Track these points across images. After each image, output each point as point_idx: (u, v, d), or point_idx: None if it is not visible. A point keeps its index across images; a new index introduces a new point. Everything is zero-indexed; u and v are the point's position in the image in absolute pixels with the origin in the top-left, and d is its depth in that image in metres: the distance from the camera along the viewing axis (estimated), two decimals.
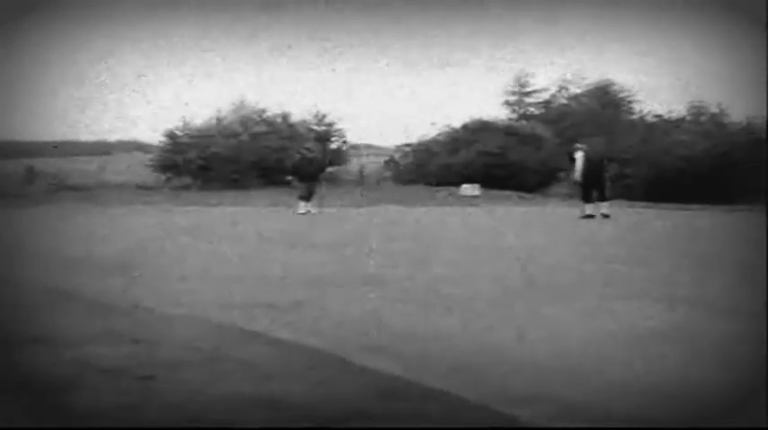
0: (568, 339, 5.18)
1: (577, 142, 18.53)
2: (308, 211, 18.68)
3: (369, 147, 45.40)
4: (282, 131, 32.46)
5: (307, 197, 19.01)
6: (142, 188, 29.98)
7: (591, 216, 16.68)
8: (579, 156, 17.17)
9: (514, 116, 39.67)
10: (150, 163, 32.32)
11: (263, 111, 33.91)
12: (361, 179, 34.23)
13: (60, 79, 55.78)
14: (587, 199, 17.08)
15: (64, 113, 59.73)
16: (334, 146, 34.81)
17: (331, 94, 76.19)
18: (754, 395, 3.92)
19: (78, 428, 3.28)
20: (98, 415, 3.38)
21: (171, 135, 32.89)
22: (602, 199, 17.00)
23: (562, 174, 33.66)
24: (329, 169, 19.94)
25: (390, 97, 68.39)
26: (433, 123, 36.56)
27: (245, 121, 32.67)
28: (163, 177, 32.14)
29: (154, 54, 71.57)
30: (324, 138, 33.47)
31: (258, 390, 3.76)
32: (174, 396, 3.65)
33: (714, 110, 33.76)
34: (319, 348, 4.77)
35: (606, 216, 16.65)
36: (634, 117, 38.01)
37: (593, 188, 16.96)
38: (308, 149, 20.64)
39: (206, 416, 3.40)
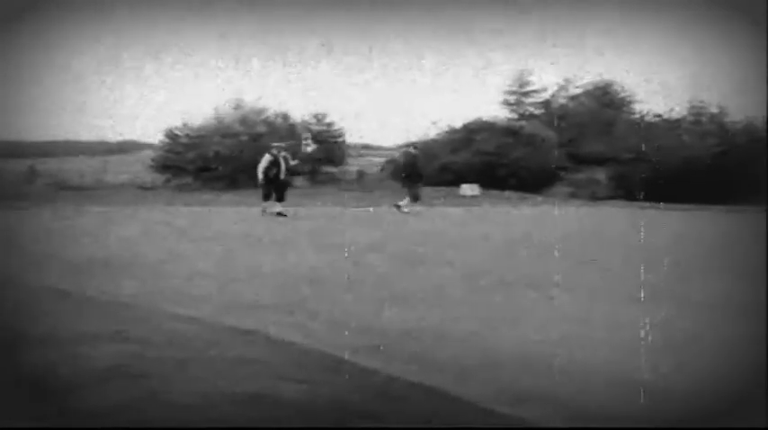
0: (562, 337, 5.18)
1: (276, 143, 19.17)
2: (405, 210, 18.86)
3: (369, 147, 45.44)
4: (282, 131, 32.52)
5: (416, 197, 19.37)
6: (142, 188, 30.03)
7: (265, 212, 17.50)
8: (265, 158, 17.93)
9: (514, 116, 39.70)
10: (150, 163, 32.39)
11: (263, 111, 33.96)
12: (360, 179, 34.29)
13: (60, 79, 55.79)
14: (267, 198, 17.82)
15: (64, 113, 59.74)
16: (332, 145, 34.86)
17: (331, 94, 76.17)
18: (754, 395, 3.92)
19: (78, 428, 3.28)
20: (98, 415, 3.38)
21: (171, 135, 32.94)
22: (279, 199, 17.69)
23: (563, 174, 33.75)
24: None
25: (390, 97, 68.38)
26: (433, 123, 36.61)
27: (245, 121, 32.70)
28: (163, 177, 32.20)
29: (154, 54, 71.57)
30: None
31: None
32: (174, 395, 3.65)
33: (714, 110, 33.82)
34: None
35: (282, 214, 17.21)
36: (634, 117, 38.04)
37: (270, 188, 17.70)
38: (412, 149, 21.29)
39: (206, 415, 3.40)
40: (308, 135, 20.21)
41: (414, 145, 22.20)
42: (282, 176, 17.67)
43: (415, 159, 19.95)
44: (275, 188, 17.59)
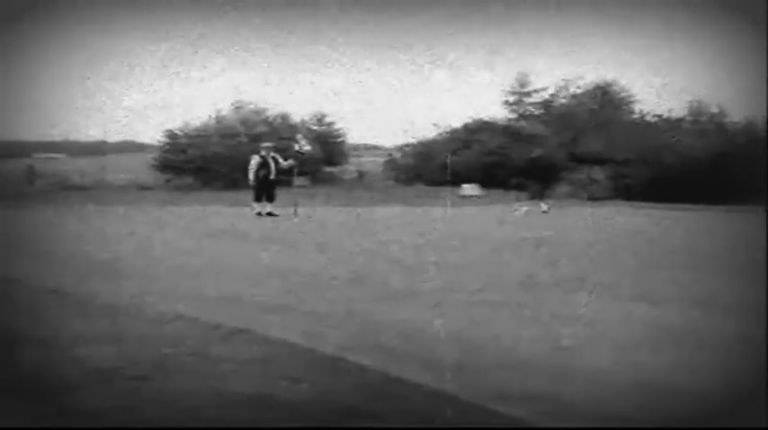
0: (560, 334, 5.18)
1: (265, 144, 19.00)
2: (547, 210, 20.00)
3: (369, 147, 45.45)
4: (283, 131, 32.54)
5: (542, 195, 20.16)
6: (142, 188, 30.02)
7: (260, 214, 17.33)
8: (254, 159, 17.86)
9: (514, 116, 39.64)
10: (152, 162, 32.40)
11: (264, 111, 33.98)
12: (361, 179, 34.31)
13: (60, 79, 55.82)
14: (258, 199, 17.69)
15: (64, 113, 59.80)
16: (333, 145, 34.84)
17: (331, 95, 76.23)
18: (754, 395, 3.92)
19: (78, 428, 3.28)
20: (97, 415, 3.38)
21: (171, 135, 32.95)
22: (269, 199, 17.61)
23: (562, 174, 33.75)
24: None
25: (390, 97, 68.42)
26: (433, 124, 36.66)
27: (245, 121, 32.71)
28: (163, 177, 32.19)
29: (154, 54, 71.66)
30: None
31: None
32: (173, 395, 3.65)
33: (714, 110, 33.83)
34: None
35: (272, 214, 17.16)
36: (634, 117, 38.01)
37: (263, 189, 17.61)
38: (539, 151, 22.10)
39: (204, 415, 3.40)
40: (301, 135, 19.95)
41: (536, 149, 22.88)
42: (272, 177, 17.58)
43: (539, 161, 20.76)
44: (266, 188, 17.52)
